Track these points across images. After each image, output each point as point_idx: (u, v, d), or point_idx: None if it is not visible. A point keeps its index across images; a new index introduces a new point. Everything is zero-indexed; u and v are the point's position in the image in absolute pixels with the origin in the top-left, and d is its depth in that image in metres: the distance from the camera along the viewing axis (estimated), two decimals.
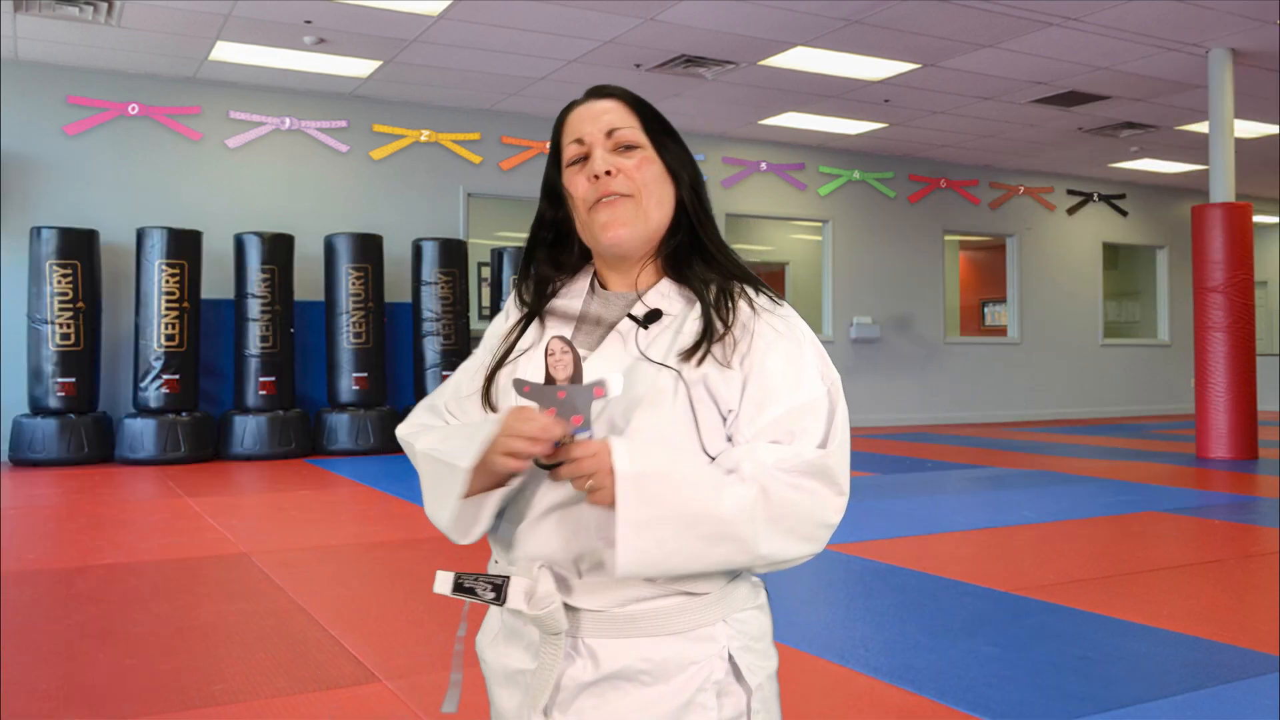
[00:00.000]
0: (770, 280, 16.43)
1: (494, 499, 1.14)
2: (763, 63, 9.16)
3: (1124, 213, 15.07)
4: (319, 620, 3.46)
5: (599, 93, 1.26)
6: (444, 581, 1.15)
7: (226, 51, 8.78)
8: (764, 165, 12.35)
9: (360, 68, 9.29)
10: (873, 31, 8.32)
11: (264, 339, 9.01)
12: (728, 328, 1.16)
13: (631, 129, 1.22)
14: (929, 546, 4.84)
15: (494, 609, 1.22)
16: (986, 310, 17.26)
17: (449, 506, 1.14)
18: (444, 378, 9.58)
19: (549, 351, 1.09)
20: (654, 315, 1.18)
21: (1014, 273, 14.17)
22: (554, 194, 1.25)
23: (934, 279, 13.48)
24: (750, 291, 1.22)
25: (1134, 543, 4.94)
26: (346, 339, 9.36)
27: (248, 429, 8.79)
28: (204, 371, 9.18)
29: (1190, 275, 9.64)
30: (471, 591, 1.14)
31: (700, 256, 1.23)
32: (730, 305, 1.18)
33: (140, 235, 8.79)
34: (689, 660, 1.12)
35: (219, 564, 4.45)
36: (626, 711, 1.11)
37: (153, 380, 8.62)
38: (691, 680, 1.11)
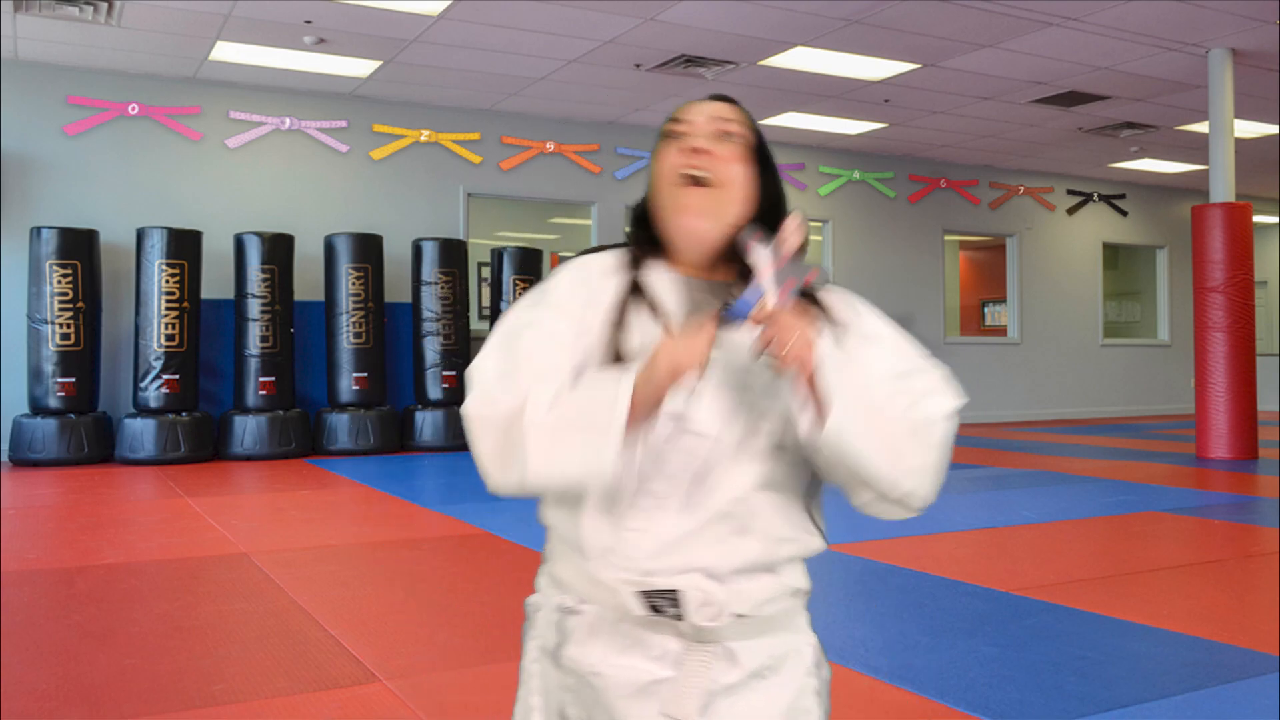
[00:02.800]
0: None
1: (638, 445, 1.13)
2: (763, 63, 9.16)
3: (1124, 213, 15.07)
4: (319, 620, 3.46)
5: (718, 97, 1.27)
6: (637, 603, 1.14)
7: (226, 51, 8.78)
8: None
9: (360, 68, 9.29)
10: (873, 31, 8.32)
11: (264, 339, 9.01)
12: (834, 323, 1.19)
13: (737, 125, 1.22)
14: (929, 546, 4.84)
15: (566, 618, 1.20)
16: (986, 310, 17.26)
17: (611, 442, 1.07)
18: (445, 378, 9.63)
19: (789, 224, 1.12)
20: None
21: (1014, 273, 14.17)
22: (652, 176, 1.26)
23: (934, 279, 13.48)
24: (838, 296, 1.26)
25: (1134, 543, 4.94)
26: (346, 339, 9.36)
27: (248, 429, 8.79)
28: (204, 371, 9.18)
29: (1190, 275, 9.64)
30: (658, 609, 1.14)
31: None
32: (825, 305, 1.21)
33: (140, 235, 8.79)
34: (795, 649, 1.22)
35: (219, 564, 4.45)
36: (759, 705, 1.16)
37: (153, 380, 8.62)
38: (799, 666, 1.21)
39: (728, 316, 1.09)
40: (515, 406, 1.12)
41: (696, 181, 1.18)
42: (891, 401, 1.14)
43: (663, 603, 1.14)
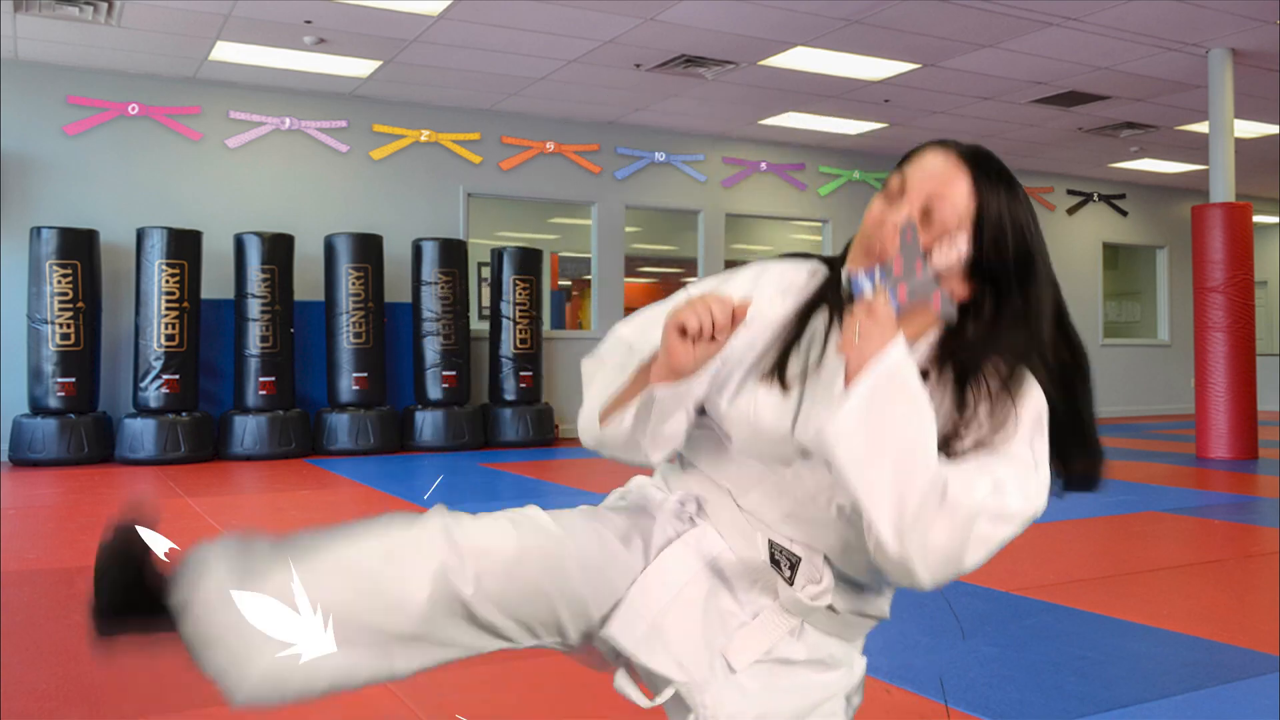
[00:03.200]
0: None
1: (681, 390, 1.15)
2: (763, 63, 9.16)
3: (1124, 213, 15.07)
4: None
5: (958, 150, 1.19)
6: (763, 547, 1.18)
7: (226, 51, 8.78)
8: (764, 165, 12.35)
9: (360, 68, 9.29)
10: (873, 31, 8.31)
11: (264, 339, 9.01)
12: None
13: (950, 206, 1.15)
14: None
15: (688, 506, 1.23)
16: None
17: (614, 384, 1.20)
18: (445, 378, 9.63)
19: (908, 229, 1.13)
20: (923, 374, 1.16)
21: None
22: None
23: None
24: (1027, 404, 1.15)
25: (1134, 543, 4.95)
26: (346, 339, 9.36)
27: (248, 429, 8.79)
28: (204, 371, 9.17)
29: (1190, 275, 9.64)
30: (777, 564, 1.18)
31: (983, 345, 1.17)
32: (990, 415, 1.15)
33: (140, 235, 8.79)
34: (849, 663, 1.28)
35: None
36: (800, 687, 1.20)
37: (153, 380, 8.62)
38: (845, 678, 1.26)
39: (850, 290, 1.12)
40: (609, 353, 1.26)
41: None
42: (939, 468, 1.07)
43: (783, 559, 1.17)
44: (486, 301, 12.05)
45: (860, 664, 1.30)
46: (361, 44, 8.63)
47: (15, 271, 8.88)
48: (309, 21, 8.04)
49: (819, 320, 1.21)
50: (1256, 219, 13.15)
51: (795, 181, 12.57)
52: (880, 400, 1.04)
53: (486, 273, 12.13)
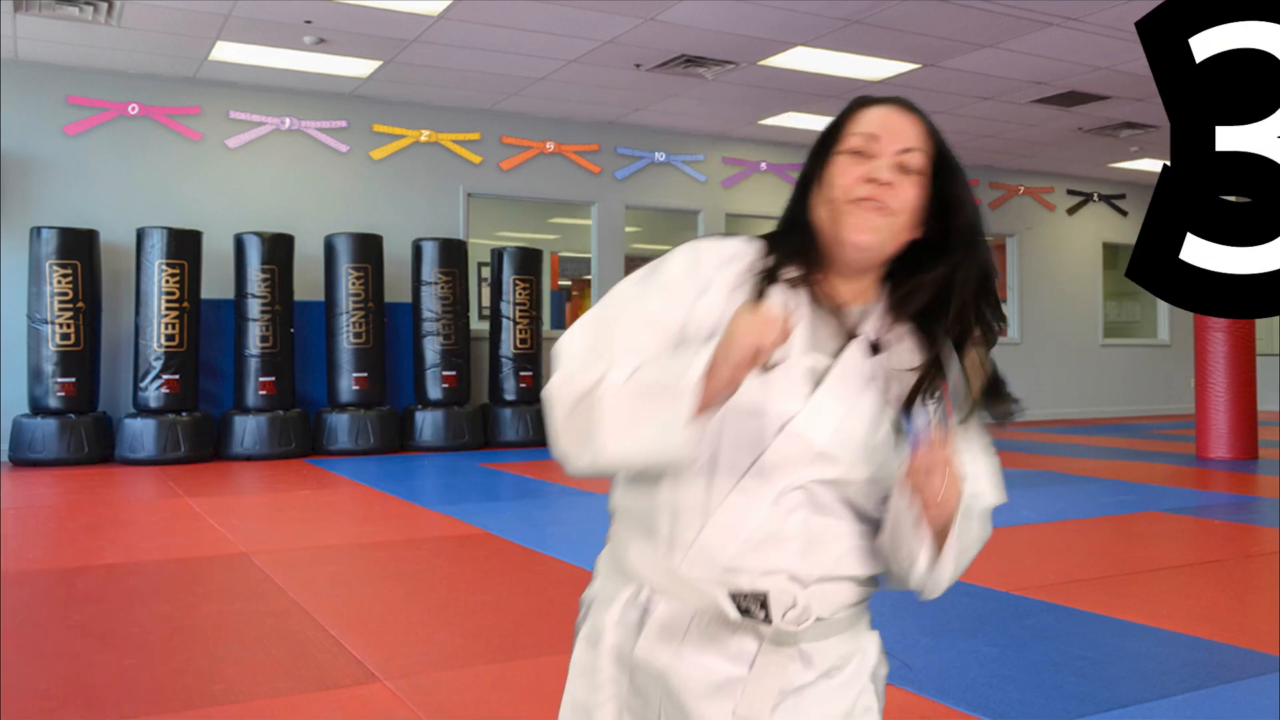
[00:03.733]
0: None
1: (708, 423, 1.12)
2: (763, 63, 9.16)
3: (1124, 213, 15.07)
4: (319, 620, 3.46)
5: (905, 104, 1.23)
6: (729, 605, 1.14)
7: (226, 51, 8.78)
8: (764, 165, 12.35)
9: (360, 68, 9.29)
10: (873, 31, 8.31)
11: (264, 339, 9.01)
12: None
13: (921, 155, 1.19)
14: None
15: (641, 615, 1.18)
16: None
17: (678, 423, 1.07)
18: (445, 378, 9.63)
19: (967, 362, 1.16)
20: (877, 345, 1.20)
21: (1014, 273, 14.17)
22: (815, 176, 1.23)
23: None
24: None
25: (1134, 543, 4.95)
26: (346, 339, 9.36)
27: (248, 429, 8.79)
28: (204, 371, 9.17)
29: None
30: (748, 611, 1.14)
31: (918, 279, 1.21)
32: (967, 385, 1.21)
33: (140, 235, 8.79)
34: (860, 648, 1.24)
35: (219, 564, 4.45)
36: (823, 701, 1.18)
37: (153, 380, 8.62)
38: (864, 665, 1.23)
39: (906, 439, 1.14)
40: (593, 382, 1.12)
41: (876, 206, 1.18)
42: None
43: (751, 605, 1.14)
44: (486, 301, 12.06)
45: (872, 642, 1.27)
46: (361, 44, 8.63)
47: (15, 271, 8.88)
48: (309, 21, 8.04)
49: (776, 301, 1.19)
50: None
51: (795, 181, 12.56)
52: (962, 537, 1.17)
53: (486, 273, 12.14)
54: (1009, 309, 14.30)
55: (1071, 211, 14.61)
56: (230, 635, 3.33)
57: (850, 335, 1.19)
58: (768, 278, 1.20)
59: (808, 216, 1.22)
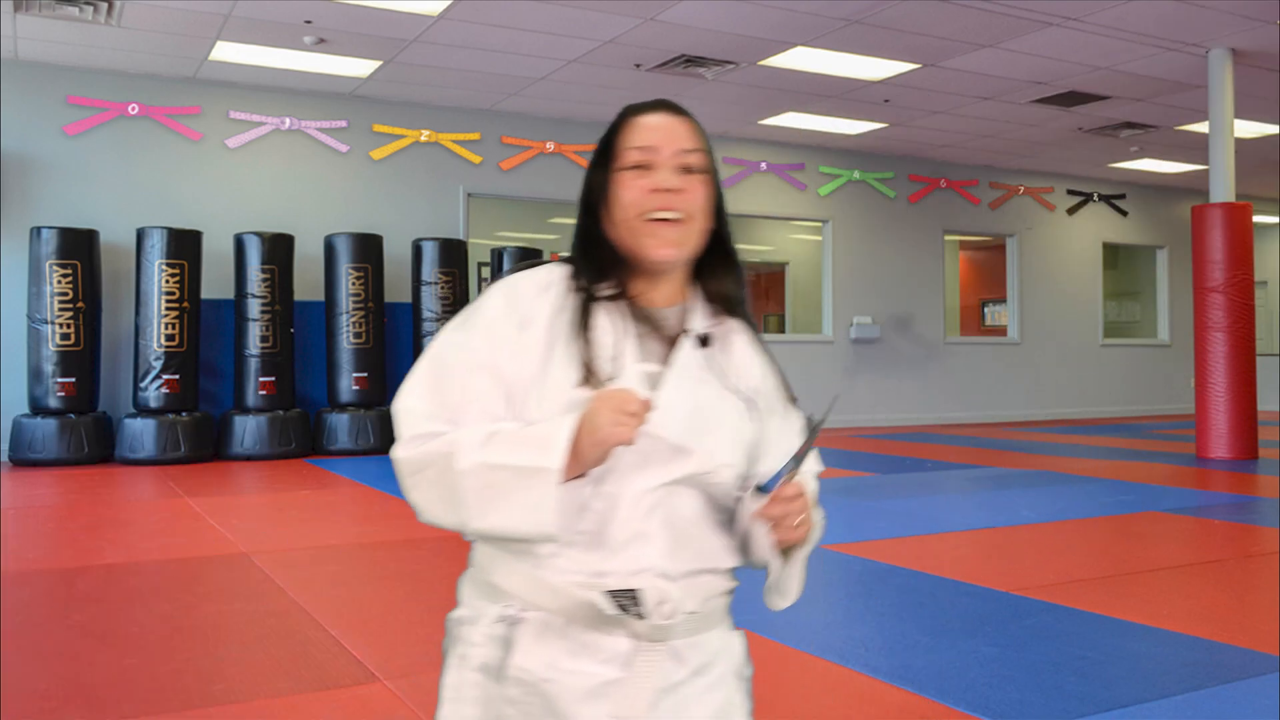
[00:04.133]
0: (770, 280, 16.44)
1: (573, 492, 1.14)
2: (763, 63, 9.16)
3: (1124, 213, 15.07)
4: (319, 620, 3.46)
5: (669, 106, 1.25)
6: (608, 603, 1.15)
7: (226, 51, 8.78)
8: (764, 165, 12.35)
9: (360, 68, 9.29)
10: (873, 31, 8.32)
11: (264, 339, 9.01)
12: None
13: (700, 153, 1.23)
14: (929, 546, 4.84)
15: (512, 627, 1.17)
16: (986, 310, 17.26)
17: (548, 504, 1.09)
18: None
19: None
20: (706, 339, 1.23)
21: (1014, 273, 14.18)
22: (600, 193, 1.23)
23: (934, 279, 13.48)
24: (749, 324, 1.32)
25: (1134, 543, 4.95)
26: (346, 339, 9.36)
27: (248, 429, 8.79)
28: (204, 371, 9.18)
29: (1190, 275, 9.64)
30: (625, 609, 1.15)
31: (722, 268, 1.29)
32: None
33: (140, 235, 8.79)
34: (727, 645, 1.25)
35: (219, 564, 4.45)
36: (698, 698, 1.19)
37: (153, 380, 8.62)
38: (731, 662, 1.25)
39: (760, 489, 1.19)
40: (446, 451, 1.13)
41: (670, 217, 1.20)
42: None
43: (625, 602, 1.14)
44: None
45: (737, 641, 1.27)
46: (361, 44, 8.63)
47: (15, 271, 8.88)
48: (309, 21, 8.04)
49: (601, 319, 1.21)
50: (1256, 219, 13.14)
51: (795, 181, 12.57)
52: (804, 566, 1.26)
53: (486, 273, 12.14)
54: (1009, 309, 14.31)
55: (1071, 211, 14.61)
56: (230, 635, 3.33)
57: (676, 336, 1.22)
58: (586, 298, 1.21)
59: (603, 234, 1.23)
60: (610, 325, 1.20)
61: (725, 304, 1.27)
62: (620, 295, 1.23)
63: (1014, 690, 2.69)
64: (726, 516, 1.22)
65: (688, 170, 1.21)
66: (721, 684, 1.22)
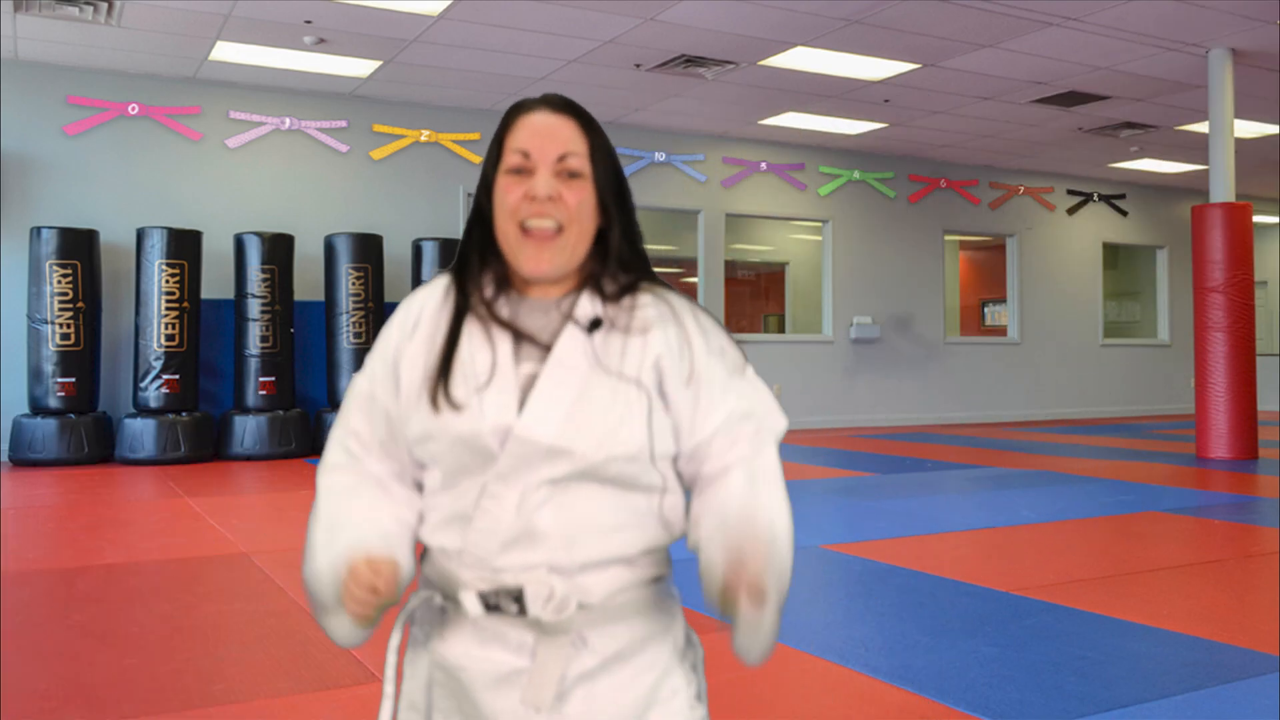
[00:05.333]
0: (770, 280, 16.42)
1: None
2: (763, 63, 9.16)
3: (1124, 213, 15.07)
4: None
5: (555, 105, 1.23)
6: (473, 603, 1.17)
7: (226, 51, 8.78)
8: (764, 165, 12.35)
9: (360, 68, 9.29)
10: (873, 31, 8.32)
11: (264, 339, 9.01)
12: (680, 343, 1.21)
13: (580, 157, 1.20)
14: (929, 546, 4.84)
15: (437, 614, 1.22)
16: (986, 310, 17.26)
17: (336, 636, 1.25)
18: None
19: None
20: (597, 322, 1.19)
21: (1014, 273, 14.18)
22: (488, 189, 1.23)
23: (934, 279, 13.48)
24: (672, 296, 1.26)
25: (1134, 543, 4.95)
26: (346, 339, 9.36)
27: (248, 429, 8.79)
28: (204, 371, 9.17)
29: (1190, 275, 9.64)
30: (498, 608, 1.16)
31: (620, 264, 1.25)
32: (678, 323, 1.22)
33: (140, 235, 8.79)
34: (662, 630, 1.22)
35: (219, 564, 4.45)
36: (620, 687, 1.18)
37: (153, 380, 8.62)
38: (663, 649, 1.21)
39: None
40: (311, 524, 1.25)
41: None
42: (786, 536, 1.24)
43: (503, 600, 1.15)
44: None
45: (678, 622, 1.25)
46: (361, 44, 8.63)
47: (15, 271, 8.88)
48: (309, 21, 8.04)
49: (473, 327, 1.21)
50: (1256, 219, 13.15)
51: (795, 181, 12.58)
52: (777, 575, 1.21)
53: None
54: (1009, 309, 14.31)
55: (1071, 211, 14.61)
56: (230, 635, 3.33)
57: (561, 325, 1.20)
58: (455, 312, 1.22)
59: (490, 231, 1.23)
60: (482, 332, 1.19)
61: (623, 281, 1.23)
62: (503, 286, 1.23)
63: (1014, 690, 2.69)
64: (641, 497, 1.19)
65: (569, 175, 1.19)
66: (650, 670, 1.19)
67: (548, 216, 1.18)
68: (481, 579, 1.17)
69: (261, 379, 8.98)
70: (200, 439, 8.66)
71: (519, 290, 1.23)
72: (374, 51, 8.84)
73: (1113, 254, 15.86)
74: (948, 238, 14.08)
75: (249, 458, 8.74)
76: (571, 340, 1.18)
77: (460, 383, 1.17)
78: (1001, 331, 15.14)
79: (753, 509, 1.19)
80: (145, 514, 5.97)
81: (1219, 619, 3.45)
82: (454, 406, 1.16)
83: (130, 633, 3.35)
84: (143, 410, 8.61)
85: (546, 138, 1.20)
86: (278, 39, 8.46)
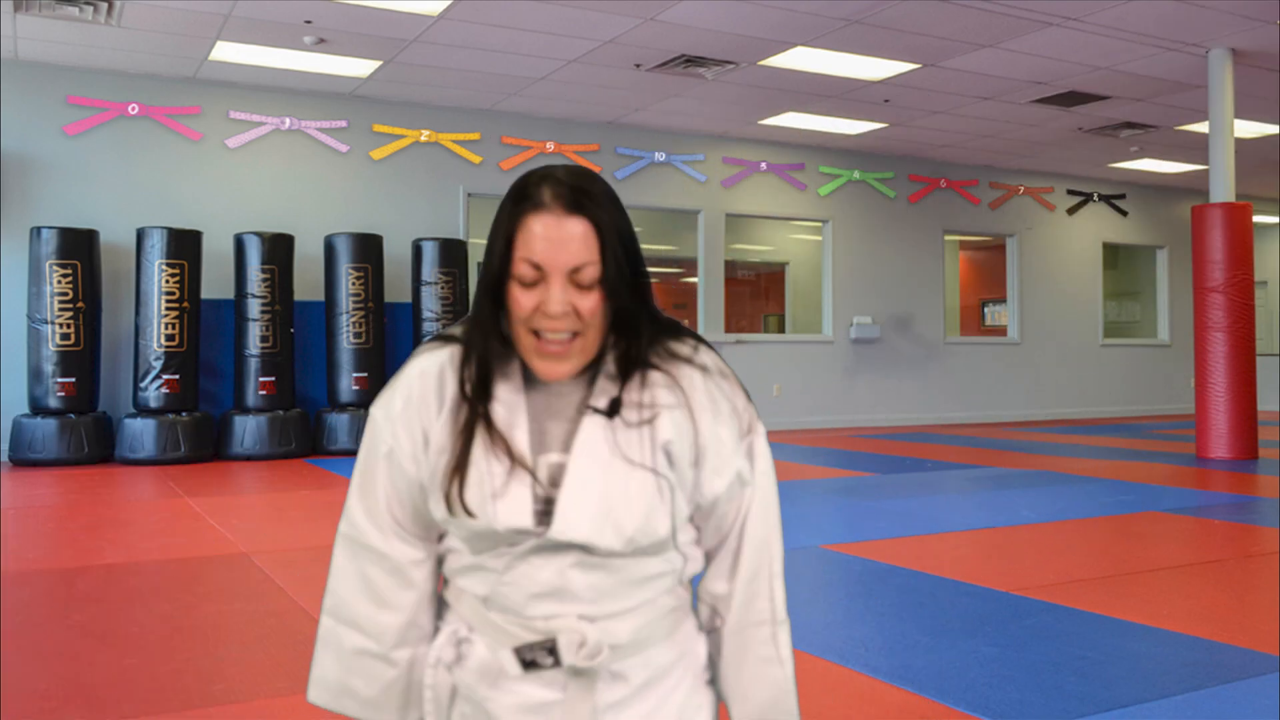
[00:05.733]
0: (770, 281, 16.44)
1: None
2: (763, 63, 9.16)
3: (1124, 213, 15.07)
4: (319, 620, 3.46)
5: (566, 203, 1.16)
6: (512, 664, 1.18)
7: (226, 51, 8.78)
8: (764, 165, 12.35)
9: (360, 68, 9.29)
10: (873, 31, 8.32)
11: (264, 339, 9.01)
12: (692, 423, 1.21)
13: (594, 265, 1.15)
14: (929, 546, 4.84)
15: (461, 650, 1.22)
16: (986, 310, 17.26)
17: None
18: None
19: None
20: (615, 405, 1.19)
21: (1014, 273, 14.18)
22: (500, 284, 1.18)
23: (934, 279, 13.48)
24: (682, 369, 1.23)
25: (1134, 543, 4.95)
26: (346, 339, 9.36)
27: (248, 429, 8.79)
28: (204, 371, 9.18)
29: (1190, 275, 9.64)
30: (534, 664, 1.17)
31: (634, 337, 1.22)
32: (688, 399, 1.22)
33: (140, 235, 8.79)
34: (683, 654, 1.25)
35: (219, 564, 4.45)
36: (649, 713, 1.21)
37: (153, 380, 8.62)
38: (690, 667, 1.25)
39: None
40: (329, 622, 1.32)
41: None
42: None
43: (538, 655, 1.17)
44: None
45: (700, 642, 1.27)
46: (361, 44, 8.63)
47: (15, 271, 8.88)
48: (309, 21, 8.04)
49: (486, 424, 1.19)
50: (1256, 219, 13.15)
51: (795, 181, 12.57)
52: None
53: None
54: (1009, 309, 14.31)
55: (1071, 211, 14.61)
56: (230, 635, 3.33)
57: (580, 409, 1.19)
58: (472, 408, 1.19)
59: (502, 323, 1.21)
60: (498, 428, 1.18)
61: (635, 357, 1.21)
62: (519, 371, 1.22)
63: (1014, 690, 2.69)
64: (667, 566, 1.21)
65: (579, 286, 1.15)
66: (677, 690, 1.22)
67: (562, 331, 1.16)
68: (510, 623, 1.18)
69: (261, 379, 8.98)
70: (200, 439, 8.66)
71: (530, 375, 1.22)
72: (374, 51, 8.84)
73: (1113, 254, 15.86)
74: (948, 238, 14.08)
75: (249, 458, 8.74)
76: (592, 430, 1.18)
77: (475, 488, 1.17)
78: (1001, 331, 15.14)
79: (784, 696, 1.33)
80: (145, 514, 5.97)
81: (1219, 619, 3.45)
82: (469, 514, 1.16)
83: (130, 633, 3.35)
84: (143, 410, 8.61)
85: (559, 249, 1.15)
86: (278, 39, 8.46)
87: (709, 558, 1.27)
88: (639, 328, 1.22)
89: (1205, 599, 3.78)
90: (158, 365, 8.63)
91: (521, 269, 1.16)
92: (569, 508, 1.15)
